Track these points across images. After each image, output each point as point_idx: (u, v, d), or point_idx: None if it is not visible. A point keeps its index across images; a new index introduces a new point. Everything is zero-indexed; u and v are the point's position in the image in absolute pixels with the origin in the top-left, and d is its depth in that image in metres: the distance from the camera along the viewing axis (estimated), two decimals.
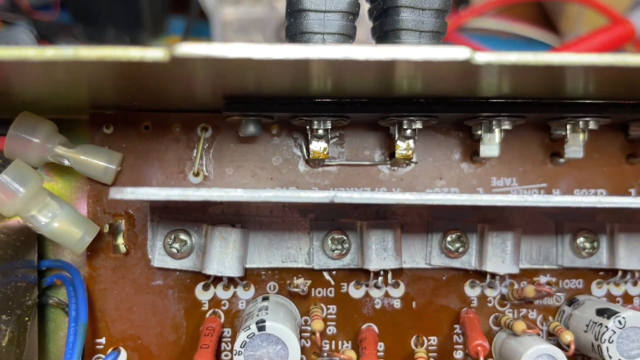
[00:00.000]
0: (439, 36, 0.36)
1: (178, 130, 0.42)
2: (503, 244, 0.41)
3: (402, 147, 0.40)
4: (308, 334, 0.43)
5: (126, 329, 0.42)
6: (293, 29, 0.36)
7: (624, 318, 0.38)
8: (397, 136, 0.39)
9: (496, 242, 0.41)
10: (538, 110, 0.38)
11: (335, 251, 0.42)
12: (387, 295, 0.43)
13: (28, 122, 0.39)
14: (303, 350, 0.42)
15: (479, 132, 0.40)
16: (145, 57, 0.28)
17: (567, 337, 0.39)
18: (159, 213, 0.42)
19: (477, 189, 0.43)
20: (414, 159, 0.42)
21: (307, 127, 0.39)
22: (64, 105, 0.41)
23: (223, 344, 0.42)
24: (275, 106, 0.38)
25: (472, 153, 0.43)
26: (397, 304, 0.43)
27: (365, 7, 0.38)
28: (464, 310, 0.43)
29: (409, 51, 0.28)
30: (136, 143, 0.42)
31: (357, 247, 0.42)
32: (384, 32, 0.37)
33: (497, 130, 0.39)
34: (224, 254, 0.40)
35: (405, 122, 0.38)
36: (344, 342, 0.43)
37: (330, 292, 0.43)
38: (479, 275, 0.43)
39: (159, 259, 0.41)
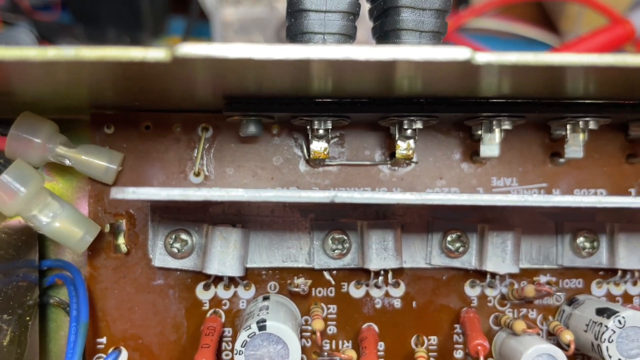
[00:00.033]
0: (439, 36, 0.37)
1: (179, 130, 0.42)
2: (503, 243, 0.41)
3: (403, 147, 0.40)
4: (308, 334, 0.43)
5: (127, 328, 0.42)
6: (294, 29, 0.36)
7: (623, 318, 0.38)
8: (397, 136, 0.39)
9: (496, 242, 0.41)
10: (538, 110, 0.38)
11: (336, 251, 0.42)
12: (387, 294, 0.43)
13: (29, 122, 0.39)
14: (303, 349, 0.42)
15: (479, 132, 0.40)
16: (147, 58, 0.28)
17: (567, 336, 0.39)
18: (160, 213, 0.42)
19: (477, 188, 0.43)
20: (414, 159, 0.42)
21: (308, 127, 0.39)
22: (65, 105, 0.41)
23: (224, 344, 0.43)
24: (276, 106, 0.38)
25: (472, 153, 0.43)
26: (397, 304, 0.43)
27: (365, 7, 0.38)
28: (464, 310, 0.43)
29: (409, 51, 0.28)
30: (137, 143, 0.42)
31: (358, 247, 0.42)
32: (385, 32, 0.37)
33: (497, 130, 0.39)
34: (225, 254, 0.40)
35: (405, 122, 0.39)
36: (345, 341, 0.43)
37: (331, 291, 0.43)
38: (479, 275, 0.43)
39: (160, 258, 0.41)
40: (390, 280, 0.43)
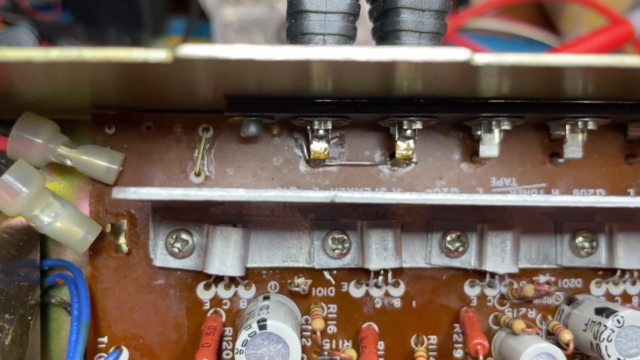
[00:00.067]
0: (439, 37, 0.37)
1: (180, 130, 0.42)
2: (502, 243, 0.41)
3: (402, 147, 0.40)
4: (309, 333, 0.43)
5: (128, 328, 0.42)
6: (294, 30, 0.36)
7: (622, 317, 0.38)
8: (397, 136, 0.39)
9: (496, 242, 0.41)
10: (537, 110, 0.39)
11: (336, 251, 0.42)
12: (387, 294, 0.43)
13: (31, 122, 0.39)
14: (304, 349, 0.42)
15: (479, 133, 0.40)
16: (149, 58, 0.28)
17: (566, 336, 0.39)
18: (161, 213, 0.42)
19: (476, 189, 0.44)
20: (414, 159, 0.42)
21: (308, 127, 0.39)
22: (67, 105, 0.41)
23: (224, 343, 0.43)
24: (277, 106, 0.38)
25: (471, 153, 0.43)
26: (397, 303, 0.43)
27: (365, 7, 0.39)
28: (464, 310, 0.43)
29: (408, 52, 0.29)
30: (138, 143, 0.42)
31: (358, 247, 0.42)
32: (385, 33, 0.37)
33: (496, 131, 0.39)
34: (225, 254, 0.40)
35: (405, 122, 0.39)
36: (345, 341, 0.43)
37: (331, 291, 0.43)
38: (479, 274, 0.43)
39: (161, 258, 0.42)
40: (390, 280, 0.43)
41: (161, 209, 0.42)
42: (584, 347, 0.40)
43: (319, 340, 0.39)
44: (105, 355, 0.42)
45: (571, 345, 0.39)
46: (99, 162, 0.40)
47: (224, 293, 0.43)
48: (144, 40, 0.75)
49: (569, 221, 0.43)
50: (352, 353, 0.38)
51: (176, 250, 0.41)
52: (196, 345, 0.42)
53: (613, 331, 0.38)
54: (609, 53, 0.74)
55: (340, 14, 0.35)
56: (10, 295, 0.38)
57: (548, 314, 0.44)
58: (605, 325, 0.38)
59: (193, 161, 0.43)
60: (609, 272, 0.44)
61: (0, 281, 0.38)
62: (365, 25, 0.40)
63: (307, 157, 0.43)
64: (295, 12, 0.36)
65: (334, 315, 0.43)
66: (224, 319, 0.42)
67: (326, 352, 0.42)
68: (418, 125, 0.39)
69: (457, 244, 0.42)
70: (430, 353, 0.43)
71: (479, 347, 0.39)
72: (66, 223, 0.39)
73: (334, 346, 0.43)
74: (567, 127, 0.40)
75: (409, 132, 0.39)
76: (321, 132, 0.39)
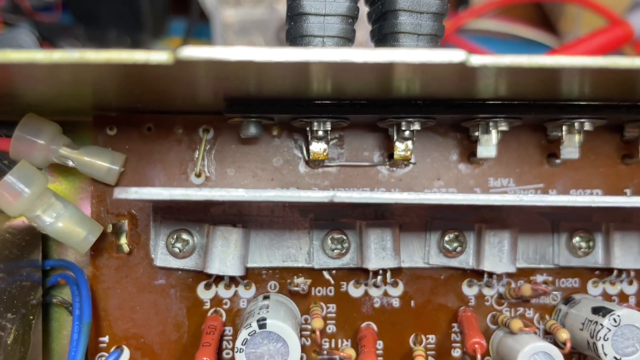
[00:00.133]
0: (436, 39, 0.37)
1: (180, 131, 0.43)
2: (500, 243, 0.42)
3: (401, 148, 0.40)
4: (308, 332, 0.43)
5: (129, 327, 0.43)
6: (293, 32, 0.36)
7: (618, 316, 0.38)
8: (395, 137, 0.40)
9: (493, 242, 0.42)
10: (534, 111, 0.39)
11: (335, 251, 0.42)
12: (386, 294, 0.43)
13: (33, 124, 0.39)
14: (303, 348, 0.43)
15: (476, 134, 0.40)
16: (150, 60, 0.29)
17: (563, 335, 0.39)
18: (162, 213, 0.42)
19: (474, 189, 0.44)
20: (412, 160, 0.43)
21: (307, 128, 0.40)
22: (68, 107, 0.41)
23: (224, 342, 0.43)
24: (276, 108, 0.38)
25: (469, 154, 0.44)
26: (395, 303, 0.43)
27: (364, 10, 0.39)
28: (462, 309, 0.43)
29: (405, 54, 0.29)
30: (139, 144, 0.42)
31: (357, 247, 0.42)
32: (383, 35, 0.37)
33: (494, 132, 0.39)
34: (226, 254, 0.40)
35: (403, 123, 0.39)
36: (344, 340, 0.43)
37: (330, 291, 0.43)
38: (477, 274, 0.44)
39: (162, 258, 0.42)
40: (388, 279, 0.43)
41: (162, 209, 0.42)
42: (581, 346, 0.40)
43: (318, 339, 0.39)
44: (107, 354, 0.42)
45: (568, 344, 0.39)
46: (100, 163, 0.41)
47: (224, 293, 0.43)
48: (144, 41, 0.75)
49: (566, 221, 0.43)
50: (351, 352, 0.39)
51: (177, 250, 0.42)
52: (196, 345, 0.42)
53: (609, 330, 0.38)
54: (608, 54, 0.74)
55: (339, 16, 0.36)
56: (12, 294, 0.39)
57: (545, 314, 0.44)
58: (601, 324, 0.38)
59: (193, 162, 0.43)
60: (605, 272, 0.44)
61: (2, 281, 0.38)
62: (364, 25, 0.41)
63: (307, 158, 0.43)
64: (295, 15, 0.36)
65: (333, 315, 0.43)
66: (224, 318, 0.43)
67: (325, 351, 0.43)
68: (416, 127, 0.39)
69: (455, 244, 0.42)
70: (428, 352, 0.43)
71: (476, 346, 0.39)
72: (68, 223, 0.39)
73: (333, 345, 0.43)
74: (564, 128, 0.40)
75: (407, 133, 0.39)
76: (320, 133, 0.39)
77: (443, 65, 0.29)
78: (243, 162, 0.43)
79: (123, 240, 0.42)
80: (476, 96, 0.38)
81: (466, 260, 0.43)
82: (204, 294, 0.43)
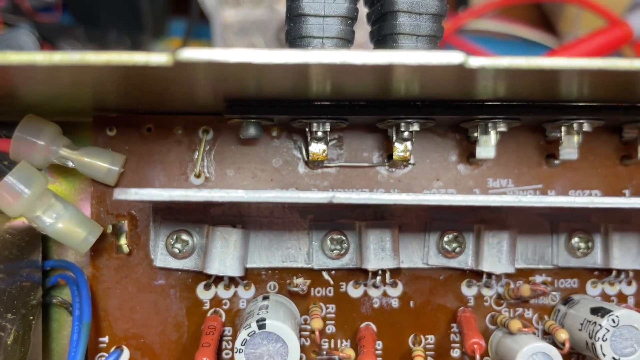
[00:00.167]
0: (435, 40, 0.37)
1: (180, 132, 0.43)
2: (499, 244, 0.42)
3: (400, 149, 0.40)
4: (308, 333, 0.43)
5: (129, 327, 0.43)
6: (293, 33, 0.36)
7: (617, 317, 0.38)
8: (394, 138, 0.40)
9: (492, 242, 0.42)
10: (533, 112, 0.39)
11: (334, 251, 0.42)
12: (385, 294, 0.43)
13: (33, 124, 0.39)
14: (303, 348, 0.43)
15: (475, 134, 0.40)
16: (150, 62, 0.29)
17: (562, 335, 0.39)
18: (161, 214, 0.42)
19: (473, 190, 0.44)
20: (411, 161, 0.43)
21: (307, 129, 0.40)
22: (68, 108, 0.41)
23: (224, 343, 0.43)
24: (276, 109, 0.38)
25: (468, 155, 0.44)
26: (395, 303, 0.44)
27: (363, 11, 0.39)
28: (461, 310, 0.43)
29: (404, 56, 0.29)
30: (139, 145, 0.42)
31: (356, 247, 0.42)
32: (382, 37, 0.37)
33: (493, 133, 0.39)
34: (225, 254, 0.41)
35: (402, 124, 0.39)
36: (343, 340, 0.43)
37: (330, 291, 0.43)
38: (476, 274, 0.44)
39: (161, 259, 0.42)
40: (388, 280, 0.43)
41: (162, 210, 0.42)
42: (579, 346, 0.41)
43: (317, 339, 0.39)
44: (106, 354, 0.42)
45: (567, 345, 0.39)
46: (100, 163, 0.41)
47: (224, 293, 0.43)
48: (144, 42, 0.75)
49: (565, 222, 0.43)
50: (351, 352, 0.39)
51: (176, 250, 0.42)
52: (196, 345, 0.42)
53: (608, 330, 0.38)
54: (608, 54, 0.75)
55: (339, 17, 0.36)
56: (12, 295, 0.39)
57: (544, 314, 0.44)
58: (600, 325, 0.38)
59: (193, 163, 0.43)
60: (604, 273, 0.44)
61: (2, 281, 0.38)
62: (364, 26, 0.41)
63: (306, 159, 0.43)
64: (294, 16, 0.36)
65: (333, 315, 0.43)
66: (223, 318, 0.43)
67: (325, 352, 0.43)
68: (415, 127, 0.39)
69: (454, 245, 0.43)
70: (427, 352, 0.43)
71: (475, 346, 0.39)
72: (68, 224, 0.39)
73: (332, 346, 0.43)
74: (563, 128, 0.40)
75: (406, 134, 0.39)
76: (320, 134, 0.39)
77: (442, 67, 0.29)
78: (243, 162, 0.43)
79: (123, 241, 0.42)
80: (475, 97, 0.38)
81: (465, 260, 0.43)
82: (204, 294, 0.43)
